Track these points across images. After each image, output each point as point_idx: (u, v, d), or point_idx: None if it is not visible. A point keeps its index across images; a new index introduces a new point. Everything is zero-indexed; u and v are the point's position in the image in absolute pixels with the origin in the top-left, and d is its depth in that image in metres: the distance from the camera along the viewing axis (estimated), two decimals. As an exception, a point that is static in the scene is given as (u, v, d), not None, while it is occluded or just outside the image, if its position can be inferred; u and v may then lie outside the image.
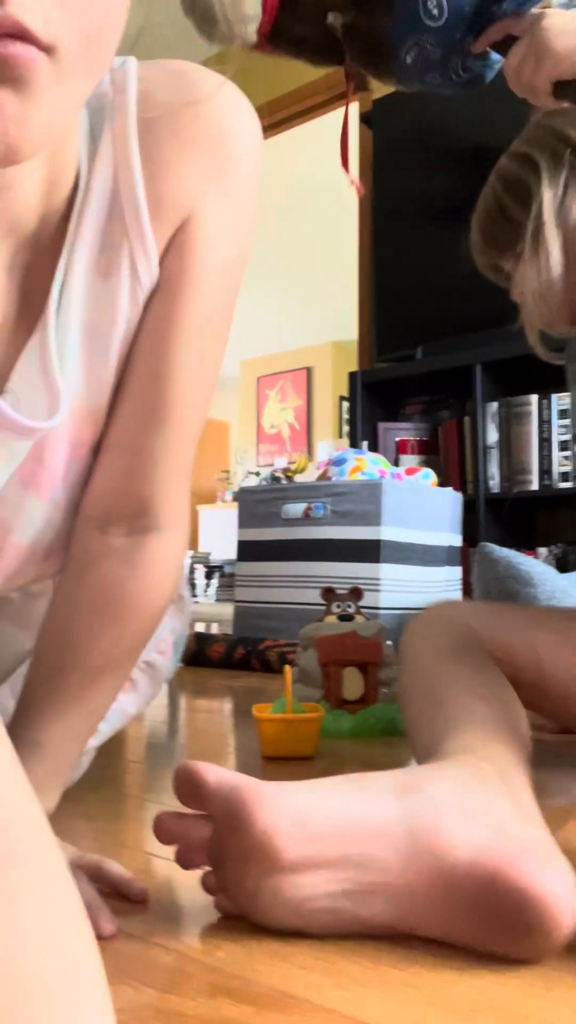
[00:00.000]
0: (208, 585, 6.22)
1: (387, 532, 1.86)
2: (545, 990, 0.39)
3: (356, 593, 1.11)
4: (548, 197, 0.92)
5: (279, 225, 5.15)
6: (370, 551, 1.81)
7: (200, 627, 3.26)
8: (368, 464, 2.03)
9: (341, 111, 3.47)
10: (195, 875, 0.54)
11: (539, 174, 0.94)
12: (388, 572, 1.82)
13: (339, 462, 2.06)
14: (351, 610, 1.09)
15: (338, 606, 1.09)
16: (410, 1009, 0.38)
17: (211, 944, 0.44)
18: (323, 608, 1.12)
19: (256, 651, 1.78)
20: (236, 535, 2.13)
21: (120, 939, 0.45)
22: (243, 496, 2.15)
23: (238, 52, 0.81)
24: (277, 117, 3.32)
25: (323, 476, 2.09)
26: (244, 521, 2.12)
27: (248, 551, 2.10)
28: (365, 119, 2.81)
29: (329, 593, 1.11)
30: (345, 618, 1.07)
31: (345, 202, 4.13)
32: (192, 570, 6.22)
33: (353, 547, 1.86)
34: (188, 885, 0.53)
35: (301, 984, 0.40)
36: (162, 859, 0.57)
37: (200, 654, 1.85)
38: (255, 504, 2.11)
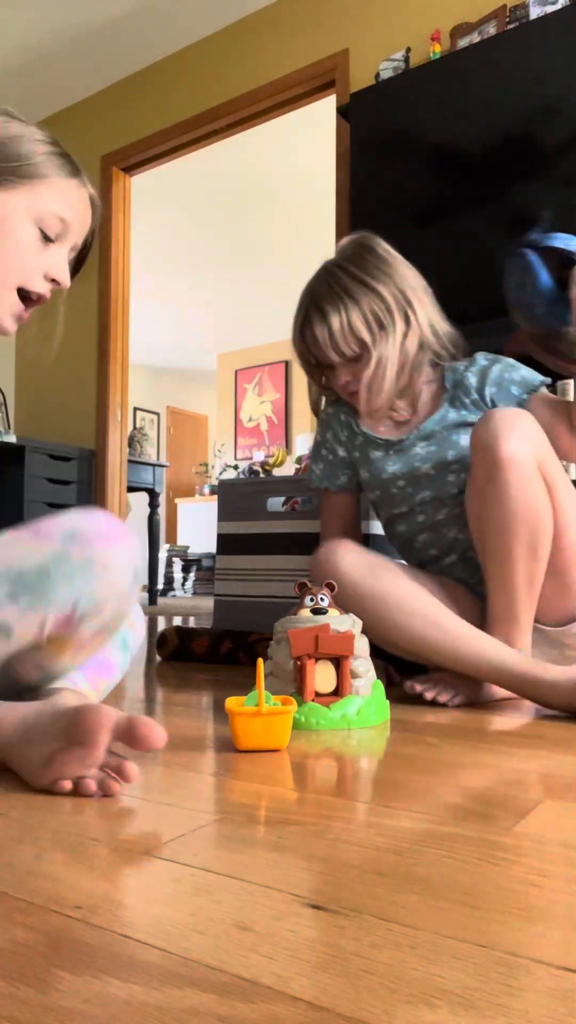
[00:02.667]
0: (186, 579, 6.23)
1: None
2: (504, 976, 0.40)
3: (330, 587, 1.12)
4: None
5: (255, 218, 5.14)
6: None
7: (177, 621, 3.26)
8: None
9: (317, 104, 3.53)
10: (167, 869, 0.55)
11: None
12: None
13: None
14: (324, 603, 1.09)
15: (311, 599, 1.09)
16: (372, 995, 0.38)
17: (175, 933, 0.45)
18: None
19: (244, 644, 1.77)
20: (215, 528, 2.12)
21: (86, 930, 0.45)
22: (224, 489, 2.14)
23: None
24: (253, 110, 3.31)
25: (305, 469, 2.10)
26: (224, 514, 2.11)
27: (229, 544, 2.09)
28: (342, 112, 2.81)
29: (303, 587, 1.11)
30: (318, 611, 1.08)
31: (322, 194, 4.13)
32: (170, 564, 6.21)
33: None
34: (157, 875, 0.53)
35: (264, 972, 0.40)
36: (131, 852, 0.58)
37: (183, 648, 1.83)
38: (236, 498, 2.10)
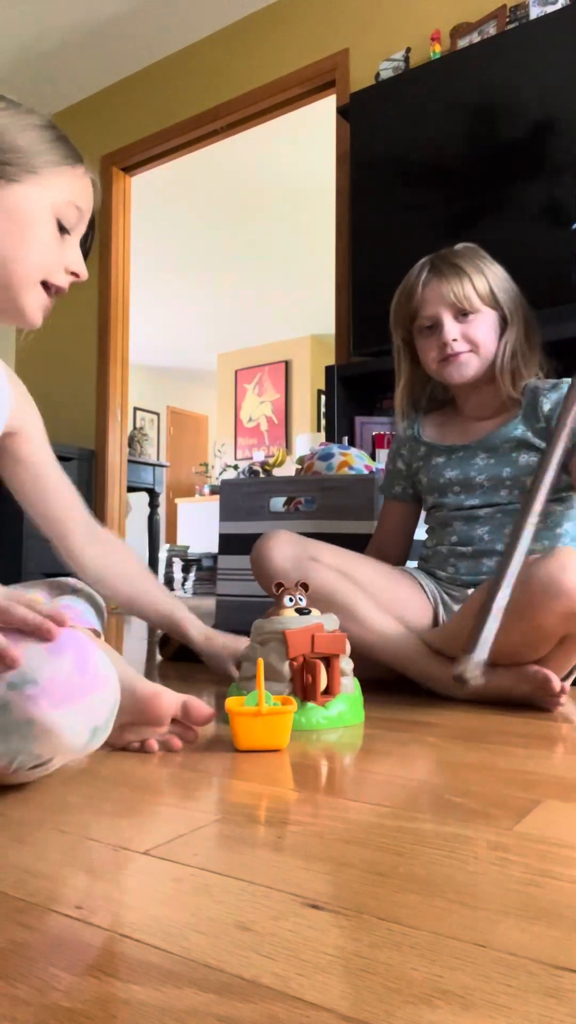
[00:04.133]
0: (186, 579, 6.22)
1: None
2: (505, 976, 0.40)
3: (304, 587, 1.12)
4: None
5: (255, 217, 5.13)
6: (362, 545, 1.79)
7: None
8: (355, 459, 2.04)
9: (318, 104, 3.53)
10: (167, 869, 0.55)
11: None
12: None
13: (325, 456, 2.06)
14: (303, 603, 1.09)
15: (291, 600, 1.09)
16: (372, 995, 0.38)
17: (175, 933, 0.45)
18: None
19: None
20: (216, 528, 2.11)
21: (84, 928, 0.45)
22: (226, 489, 2.13)
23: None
24: (253, 110, 3.31)
25: (308, 469, 2.09)
26: (226, 514, 2.10)
27: (231, 545, 2.08)
28: (342, 112, 2.81)
29: (280, 586, 1.11)
30: (302, 611, 1.08)
31: (322, 195, 4.13)
32: (170, 564, 6.21)
33: (343, 542, 1.82)
34: (157, 875, 0.53)
35: (264, 972, 0.40)
36: (131, 852, 0.58)
37: (186, 648, 1.82)
38: (238, 498, 2.09)
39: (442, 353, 1.41)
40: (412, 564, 1.58)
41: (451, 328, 1.39)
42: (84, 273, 0.93)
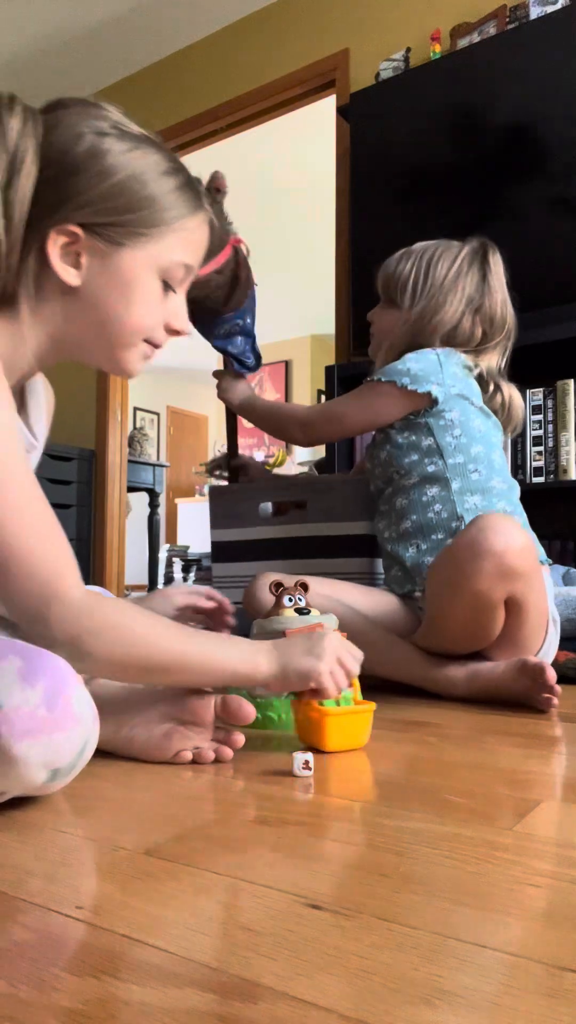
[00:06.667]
0: (186, 579, 6.22)
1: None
2: (504, 976, 0.40)
3: (304, 587, 1.11)
4: None
5: (257, 218, 5.13)
6: (360, 546, 1.78)
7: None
8: None
9: (317, 104, 3.52)
10: (167, 869, 0.55)
11: None
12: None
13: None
14: (302, 603, 1.09)
15: (290, 599, 1.09)
16: (372, 995, 0.38)
17: (176, 933, 0.45)
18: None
19: None
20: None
21: (86, 930, 0.45)
22: (214, 496, 2.04)
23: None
24: (253, 110, 3.30)
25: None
26: (216, 522, 2.04)
27: (223, 552, 2.04)
28: (342, 112, 2.81)
29: (279, 586, 1.10)
30: (301, 611, 1.07)
31: (322, 195, 4.12)
32: (170, 564, 6.21)
33: (338, 544, 1.82)
34: (157, 875, 0.53)
35: (264, 972, 0.40)
36: (131, 852, 0.58)
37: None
38: (227, 504, 2.04)
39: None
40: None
41: (370, 313, 1.56)
42: (185, 329, 0.89)
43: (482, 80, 2.38)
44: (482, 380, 1.46)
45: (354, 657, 0.93)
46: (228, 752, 0.86)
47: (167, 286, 0.86)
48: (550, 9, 2.35)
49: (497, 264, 1.46)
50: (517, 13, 2.46)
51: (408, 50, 2.69)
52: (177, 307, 0.88)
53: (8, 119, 0.76)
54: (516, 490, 1.44)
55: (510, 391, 1.49)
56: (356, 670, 0.92)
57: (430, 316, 1.43)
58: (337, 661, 0.89)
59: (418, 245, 1.49)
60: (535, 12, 2.38)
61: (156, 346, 0.88)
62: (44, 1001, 0.38)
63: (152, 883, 0.52)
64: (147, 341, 0.87)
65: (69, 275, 0.80)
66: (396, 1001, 0.38)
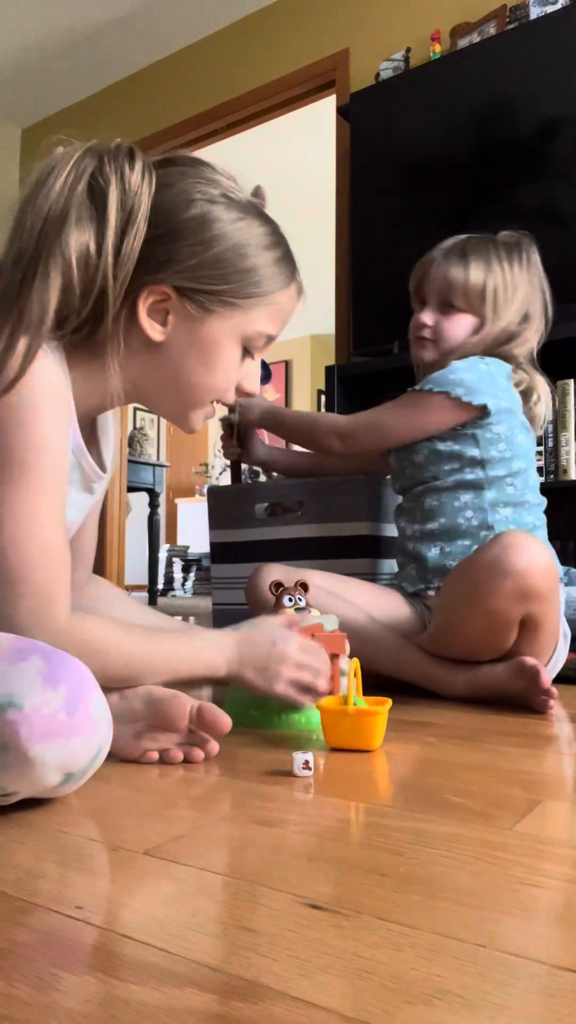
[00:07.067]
0: (186, 579, 6.22)
1: (385, 528, 1.83)
2: (505, 976, 0.40)
3: (304, 587, 1.11)
4: None
5: (257, 218, 5.13)
6: (359, 547, 1.77)
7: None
8: None
9: (317, 104, 3.52)
10: (167, 869, 0.55)
11: None
12: (387, 567, 1.79)
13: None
14: (302, 603, 1.09)
15: (290, 599, 1.09)
16: (372, 995, 0.38)
17: (176, 933, 0.45)
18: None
19: None
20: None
21: (86, 930, 0.45)
22: (212, 497, 2.04)
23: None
24: (253, 110, 3.30)
25: None
26: (215, 523, 2.05)
27: (222, 553, 2.04)
28: (342, 112, 2.81)
29: (279, 586, 1.11)
30: (301, 611, 1.07)
31: (322, 195, 4.12)
32: (170, 564, 6.21)
33: (337, 544, 1.82)
34: (157, 875, 0.53)
35: (264, 972, 0.40)
36: (131, 852, 0.58)
37: None
38: (225, 505, 2.04)
39: (414, 331, 1.48)
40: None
41: (427, 316, 1.45)
42: (254, 392, 0.90)
43: (482, 80, 2.38)
44: (523, 393, 1.45)
45: (314, 668, 0.94)
46: (199, 754, 0.85)
47: (247, 352, 0.87)
48: (550, 9, 2.35)
49: (539, 261, 1.47)
50: (517, 13, 2.46)
51: (408, 50, 2.69)
52: (251, 371, 0.89)
53: (129, 174, 0.78)
54: (544, 505, 1.43)
55: (543, 388, 1.47)
56: (319, 682, 0.94)
57: (520, 333, 1.42)
58: (296, 667, 0.92)
59: (472, 245, 1.44)
60: (535, 12, 2.38)
61: (224, 404, 0.90)
62: (44, 1001, 0.38)
63: (152, 883, 0.52)
64: (215, 400, 0.89)
65: (155, 331, 0.82)
66: (396, 1001, 0.38)
